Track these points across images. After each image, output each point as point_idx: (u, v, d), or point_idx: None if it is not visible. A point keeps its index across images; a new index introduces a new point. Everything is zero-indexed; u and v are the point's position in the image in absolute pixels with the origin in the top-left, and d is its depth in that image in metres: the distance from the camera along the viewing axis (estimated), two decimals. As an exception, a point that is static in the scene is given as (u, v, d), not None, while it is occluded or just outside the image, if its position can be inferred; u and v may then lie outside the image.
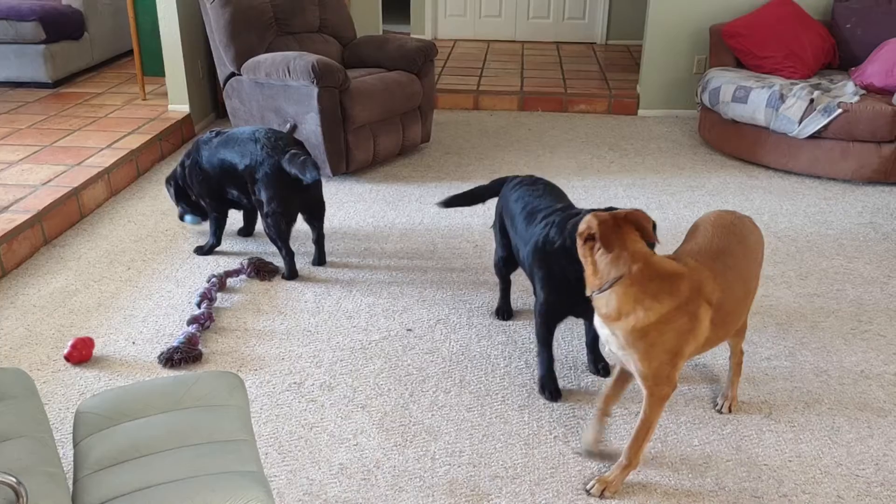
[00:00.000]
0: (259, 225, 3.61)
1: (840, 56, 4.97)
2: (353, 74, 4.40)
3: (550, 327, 2.54)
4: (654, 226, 2.13)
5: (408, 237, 3.70)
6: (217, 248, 3.50)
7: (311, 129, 4.14)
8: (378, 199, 4.12)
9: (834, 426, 2.43)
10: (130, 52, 6.42)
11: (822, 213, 4.01)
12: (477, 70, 6.51)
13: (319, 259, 3.39)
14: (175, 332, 2.87)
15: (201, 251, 3.47)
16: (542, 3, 7.69)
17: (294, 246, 3.39)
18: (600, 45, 7.67)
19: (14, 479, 1.38)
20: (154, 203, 4.03)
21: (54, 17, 5.45)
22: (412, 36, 7.32)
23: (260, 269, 3.26)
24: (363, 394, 2.56)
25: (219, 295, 3.11)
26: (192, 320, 2.85)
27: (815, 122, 4.26)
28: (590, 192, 4.25)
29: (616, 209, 2.16)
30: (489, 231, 3.75)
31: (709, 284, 2.05)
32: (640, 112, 5.68)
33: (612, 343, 2.08)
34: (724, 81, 4.66)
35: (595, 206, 4.05)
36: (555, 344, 2.85)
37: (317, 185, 3.25)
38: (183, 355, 2.66)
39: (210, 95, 5.32)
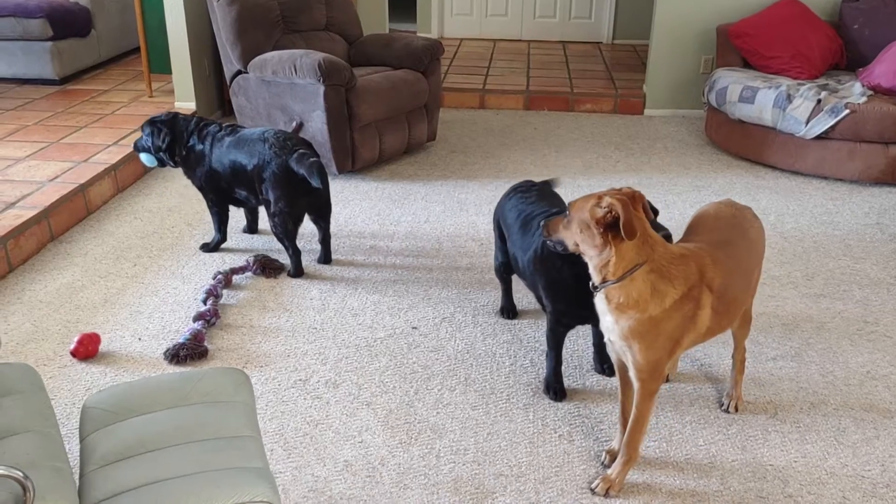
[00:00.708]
0: (263, 222, 3.62)
1: (847, 56, 4.96)
2: (360, 73, 4.40)
3: (560, 336, 2.53)
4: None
5: (413, 235, 3.70)
6: (223, 245, 3.51)
7: (317, 127, 4.14)
8: (384, 197, 4.12)
9: (840, 427, 2.42)
10: (137, 49, 6.43)
11: (828, 214, 4.00)
12: (483, 69, 6.51)
13: (325, 258, 3.39)
14: (181, 328, 2.88)
15: (207, 248, 3.47)
16: (549, 2, 7.68)
17: (300, 244, 3.40)
18: (606, 44, 7.66)
19: (21, 474, 1.39)
20: (160, 200, 4.04)
21: (62, 14, 5.46)
22: (418, 34, 7.31)
23: (266, 267, 3.27)
24: (368, 391, 2.56)
25: (224, 292, 3.11)
26: (198, 317, 2.85)
27: (823, 123, 4.25)
28: (595, 191, 4.23)
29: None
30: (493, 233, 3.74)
31: (710, 269, 2.03)
32: (647, 112, 5.67)
33: (612, 333, 2.03)
34: (731, 81, 4.65)
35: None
36: (567, 353, 2.85)
37: (324, 186, 3.25)
38: (188, 352, 2.67)
39: (216, 93, 5.33)
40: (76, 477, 1.66)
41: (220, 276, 3.12)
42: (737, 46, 4.94)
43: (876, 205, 4.12)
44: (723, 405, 2.50)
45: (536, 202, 2.66)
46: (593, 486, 2.16)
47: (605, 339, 2.10)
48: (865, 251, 3.59)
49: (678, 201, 4.12)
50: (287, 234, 3.22)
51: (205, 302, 2.97)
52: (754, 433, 2.39)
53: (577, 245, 2.03)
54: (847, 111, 4.20)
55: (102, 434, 1.74)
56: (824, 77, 4.78)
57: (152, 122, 3.36)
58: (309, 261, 3.40)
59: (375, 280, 3.28)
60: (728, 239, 2.17)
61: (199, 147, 3.31)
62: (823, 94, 4.34)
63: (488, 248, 3.57)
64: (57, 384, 2.56)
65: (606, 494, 2.14)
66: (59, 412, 2.42)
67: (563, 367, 2.64)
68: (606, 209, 1.92)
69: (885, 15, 4.82)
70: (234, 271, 3.21)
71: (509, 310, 3.02)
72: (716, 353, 2.78)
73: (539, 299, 2.59)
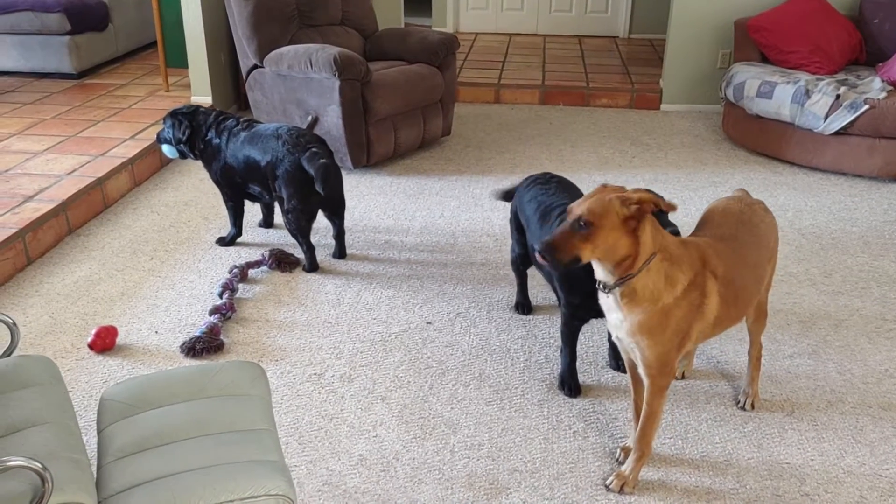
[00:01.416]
0: (279, 216, 3.62)
1: (867, 51, 4.90)
2: (375, 67, 4.40)
3: (575, 330, 2.53)
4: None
5: (428, 230, 3.70)
6: (239, 239, 3.52)
7: (332, 121, 4.15)
8: (398, 192, 4.12)
9: (857, 425, 2.40)
10: (154, 43, 6.46)
11: (847, 211, 3.96)
12: (498, 63, 6.49)
13: (340, 252, 3.40)
14: (197, 321, 2.89)
15: (223, 242, 3.49)
16: (565, -4, 7.65)
17: (315, 238, 3.41)
18: (623, 38, 7.61)
19: (40, 465, 1.40)
20: (177, 194, 4.06)
21: (79, 8, 5.49)
22: (434, 29, 7.30)
23: (281, 261, 3.28)
24: (383, 386, 2.57)
25: (240, 286, 3.13)
26: (214, 310, 2.87)
27: (841, 119, 4.21)
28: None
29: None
30: (509, 225, 3.73)
31: (712, 257, 2.03)
32: (663, 107, 5.64)
33: (620, 330, 2.01)
34: (749, 76, 4.61)
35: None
36: (582, 350, 2.85)
37: (337, 183, 3.26)
38: (205, 345, 2.68)
39: (232, 87, 5.35)
40: (94, 469, 1.68)
41: (235, 270, 3.13)
42: (755, 41, 4.90)
43: (895, 202, 4.07)
44: (739, 402, 2.48)
45: (556, 194, 2.66)
46: (607, 482, 2.16)
47: (614, 338, 2.09)
48: (884, 248, 3.55)
49: (694, 197, 4.10)
50: (301, 230, 3.23)
51: (221, 296, 2.98)
52: (771, 431, 2.37)
53: (600, 252, 1.88)
54: (866, 106, 4.15)
55: (120, 426, 1.75)
56: (843, 72, 4.73)
57: (174, 114, 3.39)
58: (324, 255, 3.41)
59: (390, 275, 3.28)
60: (734, 234, 2.16)
61: (216, 141, 3.33)
62: (842, 89, 4.29)
63: (503, 243, 3.57)
64: (74, 376, 2.59)
65: (621, 491, 2.13)
66: (77, 404, 2.44)
67: (577, 364, 2.63)
68: (636, 205, 1.86)
69: (906, 9, 4.76)
70: (250, 265, 3.22)
71: (524, 305, 3.01)
72: (732, 349, 2.77)
73: (555, 290, 2.59)
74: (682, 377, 2.62)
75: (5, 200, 3.52)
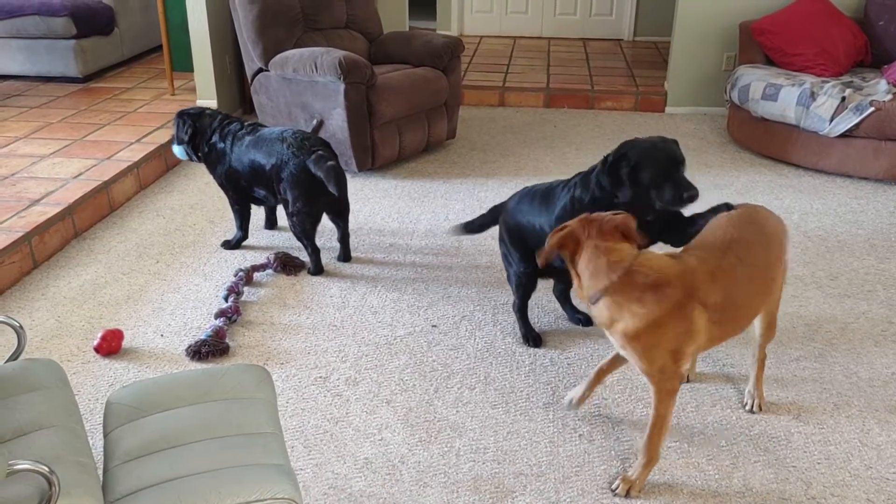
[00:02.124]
0: (283, 218, 3.63)
1: (872, 53, 4.89)
2: (380, 70, 4.40)
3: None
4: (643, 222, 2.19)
5: (433, 233, 3.70)
6: (245, 243, 3.53)
7: (337, 124, 4.15)
8: (403, 195, 4.13)
9: (864, 429, 2.39)
10: (159, 47, 6.48)
11: (853, 213, 3.95)
12: (503, 66, 6.49)
13: (344, 256, 3.40)
14: (202, 325, 2.90)
15: (229, 245, 3.49)
16: (569, -1, 7.65)
17: (320, 241, 3.41)
18: (627, 41, 7.61)
19: (47, 469, 1.40)
20: (182, 197, 4.07)
21: (85, 12, 5.51)
22: (438, 32, 7.31)
23: (286, 264, 3.28)
24: (388, 389, 2.57)
25: (245, 289, 3.13)
26: (220, 314, 2.87)
27: (847, 121, 4.20)
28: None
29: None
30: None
31: (704, 286, 2.00)
32: (668, 109, 5.63)
33: (615, 344, 2.09)
34: (754, 79, 4.60)
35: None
36: (574, 346, 2.85)
37: (342, 187, 3.26)
38: (210, 348, 2.69)
39: (238, 91, 5.36)
40: (100, 472, 1.68)
41: (241, 274, 3.14)
42: (760, 43, 4.89)
43: (901, 204, 4.06)
44: (745, 405, 2.48)
45: (549, 186, 2.68)
46: (613, 486, 2.15)
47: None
48: (891, 251, 3.54)
49: (699, 200, 4.07)
50: (305, 233, 3.23)
51: (226, 299, 2.99)
52: (777, 434, 2.36)
53: (582, 267, 2.04)
54: (872, 109, 4.14)
55: (126, 430, 1.76)
56: (849, 74, 4.72)
57: (180, 114, 3.42)
58: (329, 258, 3.42)
59: (395, 278, 3.28)
60: (741, 237, 2.14)
61: (221, 145, 3.34)
62: (848, 91, 4.28)
63: (508, 246, 3.56)
64: (81, 380, 2.59)
65: (627, 495, 2.13)
66: (83, 408, 2.45)
67: (579, 369, 2.62)
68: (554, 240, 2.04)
69: (912, 11, 4.75)
70: (255, 268, 3.23)
71: (535, 337, 2.85)
72: (738, 353, 2.76)
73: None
74: (688, 380, 2.62)
75: (12, 204, 3.54)
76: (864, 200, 4.10)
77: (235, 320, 2.90)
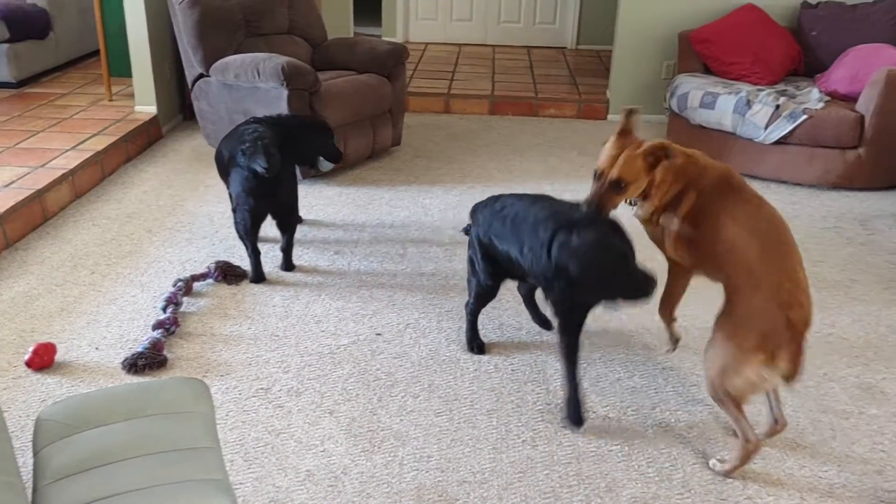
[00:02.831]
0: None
1: (806, 62, 5.05)
2: (324, 77, 4.37)
3: (574, 350, 2.41)
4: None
5: (378, 241, 3.69)
6: (185, 251, 3.46)
7: (280, 131, 4.10)
8: (348, 202, 4.10)
9: (798, 429, 2.46)
10: (97, 52, 6.31)
11: (787, 218, 4.02)
12: (448, 73, 6.51)
13: (286, 265, 3.36)
14: (139, 337, 2.83)
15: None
16: (513, 7, 7.71)
17: (265, 247, 3.37)
18: (571, 49, 7.71)
19: (-32, 490, 1.35)
20: (119, 206, 3.97)
21: (19, 16, 5.35)
22: (383, 38, 7.30)
23: (227, 273, 3.23)
24: (331, 399, 2.54)
25: (185, 299, 3.07)
26: (157, 325, 2.81)
27: (781, 128, 4.33)
28: (558, 195, 4.23)
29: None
30: (459, 235, 3.75)
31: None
32: (610, 117, 5.72)
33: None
34: (692, 87, 4.71)
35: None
36: (518, 352, 2.86)
37: (288, 191, 3.22)
38: (147, 361, 2.62)
39: (178, 97, 5.26)
40: (29, 492, 1.62)
41: (180, 284, 3.08)
42: (698, 52, 5.01)
43: (834, 209, 4.20)
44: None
45: (522, 204, 2.56)
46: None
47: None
48: (823, 254, 3.66)
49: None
50: (246, 231, 3.17)
51: (164, 310, 2.92)
52: (714, 436, 2.41)
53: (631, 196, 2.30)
54: (805, 116, 4.28)
55: (57, 447, 1.70)
56: (783, 83, 4.87)
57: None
58: (272, 266, 3.37)
59: (339, 286, 3.26)
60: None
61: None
62: (782, 99, 4.41)
63: (453, 252, 3.57)
64: (11, 396, 2.50)
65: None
66: (13, 425, 2.37)
67: (526, 373, 2.64)
68: (651, 156, 2.22)
69: (843, 21, 4.92)
70: (195, 278, 3.17)
71: (479, 344, 2.84)
72: (676, 357, 2.81)
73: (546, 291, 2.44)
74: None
75: (-62, 214, 3.41)
76: (798, 206, 4.22)
77: (174, 332, 2.84)
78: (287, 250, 3.35)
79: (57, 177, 3.87)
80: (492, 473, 2.24)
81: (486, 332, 2.95)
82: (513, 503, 2.14)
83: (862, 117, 4.25)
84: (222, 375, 2.64)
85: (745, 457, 2.20)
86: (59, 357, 2.70)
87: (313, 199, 4.13)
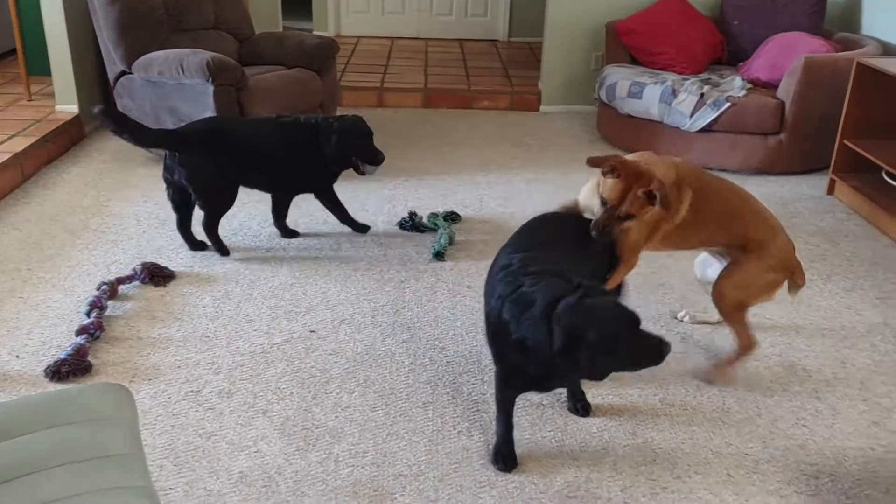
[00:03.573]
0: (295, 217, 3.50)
1: (728, 51, 5.18)
2: (252, 72, 4.30)
3: (508, 399, 2.25)
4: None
5: (311, 237, 3.65)
6: (111, 253, 3.37)
7: (207, 128, 4.02)
8: (280, 199, 4.04)
9: (724, 407, 2.53)
10: (13, 51, 6.07)
11: (713, 203, 4.15)
12: (381, 67, 6.48)
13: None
14: (63, 343, 2.73)
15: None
16: (445, 0, 7.72)
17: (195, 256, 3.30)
18: (503, 42, 7.76)
19: None
20: (41, 209, 3.83)
21: (-74, 12, 5.11)
22: (315, 33, 7.22)
23: (155, 275, 3.15)
24: (264, 399, 2.51)
25: (110, 303, 2.98)
26: (81, 330, 2.73)
27: (706, 116, 4.43)
28: (493, 187, 4.29)
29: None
30: (393, 229, 3.74)
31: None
32: (542, 108, 5.78)
33: None
34: (620, 77, 4.78)
35: (495, 204, 4.09)
36: (455, 345, 2.87)
37: (177, 167, 3.24)
38: (71, 368, 2.54)
39: (100, 95, 5.10)
40: (-60, 509, 1.56)
41: (104, 287, 2.99)
42: (624, 43, 5.09)
43: (757, 194, 4.28)
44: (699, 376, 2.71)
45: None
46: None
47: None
48: (747, 238, 3.76)
49: (573, 195, 4.19)
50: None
51: (88, 314, 2.84)
52: (644, 418, 2.47)
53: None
54: (728, 104, 4.39)
55: (-29, 461, 1.64)
56: (707, 72, 4.99)
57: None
58: (202, 267, 3.31)
59: (272, 284, 3.21)
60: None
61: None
62: (706, 88, 4.52)
63: (388, 247, 3.56)
64: (-75, 409, 2.40)
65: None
66: (-72, 439, 2.26)
67: (462, 365, 2.65)
68: (657, 195, 2.32)
69: (763, 11, 5.06)
70: (121, 281, 3.08)
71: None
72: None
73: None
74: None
75: None
76: (723, 191, 4.33)
77: (99, 336, 2.75)
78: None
79: (-28, 180, 3.72)
80: (428, 465, 2.25)
81: (422, 324, 2.95)
82: (448, 494, 2.15)
83: (782, 104, 4.39)
84: (150, 379, 2.57)
85: (744, 353, 2.66)
86: (-24, 367, 2.59)
87: (245, 196, 4.03)
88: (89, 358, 2.63)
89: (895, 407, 2.56)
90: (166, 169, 3.27)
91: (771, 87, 4.58)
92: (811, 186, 4.44)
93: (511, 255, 2.21)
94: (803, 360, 2.81)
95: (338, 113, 4.50)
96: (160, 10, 4.37)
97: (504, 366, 2.18)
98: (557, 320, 1.87)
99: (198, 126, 3.36)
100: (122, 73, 4.30)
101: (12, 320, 2.88)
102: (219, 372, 2.63)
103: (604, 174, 2.39)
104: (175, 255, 3.41)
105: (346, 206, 3.66)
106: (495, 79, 6.18)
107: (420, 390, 2.58)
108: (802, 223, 3.95)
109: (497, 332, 2.09)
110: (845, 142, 4.17)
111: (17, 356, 2.67)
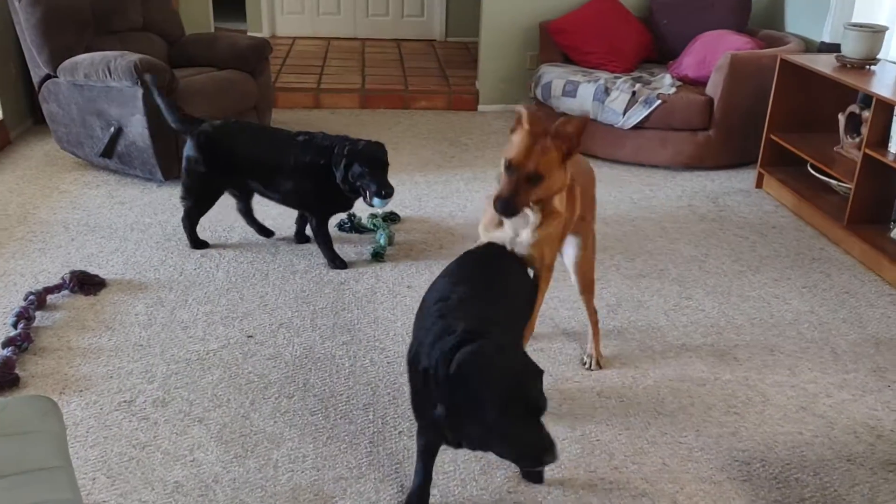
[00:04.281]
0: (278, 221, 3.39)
1: (658, 50, 5.30)
2: (182, 74, 4.22)
3: (427, 449, 2.05)
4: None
5: (247, 242, 3.60)
6: (40, 262, 3.26)
7: (137, 132, 3.93)
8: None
9: (658, 398, 2.59)
10: (-69, 53, 5.83)
11: (646, 199, 4.26)
12: (317, 68, 6.43)
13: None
14: (-13, 356, 2.64)
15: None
16: (381, 0, 7.69)
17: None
18: (440, 42, 7.78)
19: None
20: (-38, 218, 3.69)
21: None
22: (249, 34, 7.12)
23: (84, 283, 3.06)
24: (200, 406, 2.46)
25: (38, 313, 2.89)
26: (7, 342, 2.63)
27: (638, 114, 4.52)
28: (432, 187, 4.30)
29: None
30: (333, 230, 3.71)
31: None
32: (480, 107, 5.81)
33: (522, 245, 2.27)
34: (555, 76, 4.85)
35: (436, 205, 4.10)
36: (395, 345, 2.87)
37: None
38: (-4, 381, 2.45)
39: (26, 99, 4.94)
40: None
41: (32, 297, 2.89)
42: (557, 42, 5.16)
43: (687, 188, 4.43)
44: (584, 363, 2.74)
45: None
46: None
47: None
48: (679, 232, 3.86)
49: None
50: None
51: (15, 326, 2.74)
52: (583, 412, 2.50)
53: (544, 193, 2.13)
54: (659, 102, 4.49)
55: None
56: (638, 70, 5.09)
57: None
58: (134, 274, 3.23)
59: (207, 290, 3.16)
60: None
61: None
62: (637, 86, 4.62)
63: (325, 249, 3.54)
64: None
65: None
66: None
67: (402, 365, 2.64)
68: (568, 143, 2.12)
69: (690, 10, 5.19)
70: (49, 290, 2.99)
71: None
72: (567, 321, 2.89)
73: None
74: None
75: None
76: (655, 187, 4.43)
77: (26, 348, 2.67)
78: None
79: None
80: (369, 467, 2.24)
81: (362, 326, 2.94)
82: (389, 494, 2.14)
83: (711, 100, 4.51)
84: (81, 391, 2.50)
85: (596, 331, 2.75)
86: None
87: (178, 200, 3.97)
88: (17, 370, 2.54)
89: (821, 392, 2.65)
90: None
91: (699, 84, 4.70)
92: (740, 180, 4.57)
93: (453, 286, 2.03)
94: (734, 349, 2.89)
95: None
96: (86, 11, 4.25)
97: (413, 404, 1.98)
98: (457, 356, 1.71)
99: (214, 124, 3.41)
100: (47, 77, 4.17)
101: (-68, 334, 2.77)
102: (153, 381, 2.57)
103: (511, 131, 2.14)
104: (106, 262, 3.32)
105: (282, 207, 3.61)
106: (433, 79, 6.20)
107: (361, 392, 2.57)
108: (730, 215, 4.07)
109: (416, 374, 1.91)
110: (772, 136, 4.31)
111: (-62, 372, 2.56)
